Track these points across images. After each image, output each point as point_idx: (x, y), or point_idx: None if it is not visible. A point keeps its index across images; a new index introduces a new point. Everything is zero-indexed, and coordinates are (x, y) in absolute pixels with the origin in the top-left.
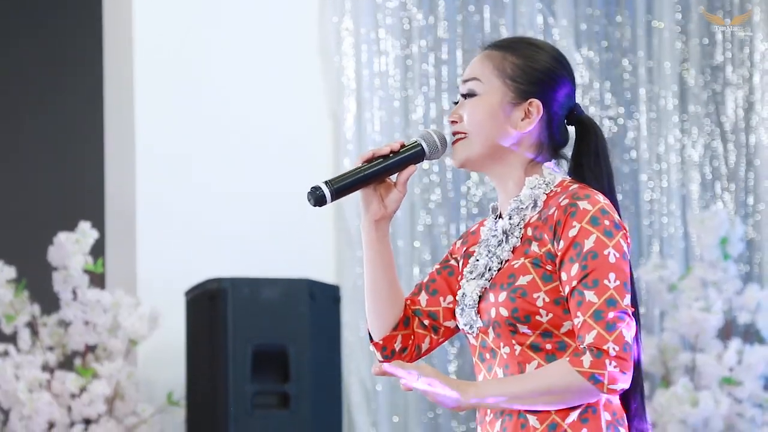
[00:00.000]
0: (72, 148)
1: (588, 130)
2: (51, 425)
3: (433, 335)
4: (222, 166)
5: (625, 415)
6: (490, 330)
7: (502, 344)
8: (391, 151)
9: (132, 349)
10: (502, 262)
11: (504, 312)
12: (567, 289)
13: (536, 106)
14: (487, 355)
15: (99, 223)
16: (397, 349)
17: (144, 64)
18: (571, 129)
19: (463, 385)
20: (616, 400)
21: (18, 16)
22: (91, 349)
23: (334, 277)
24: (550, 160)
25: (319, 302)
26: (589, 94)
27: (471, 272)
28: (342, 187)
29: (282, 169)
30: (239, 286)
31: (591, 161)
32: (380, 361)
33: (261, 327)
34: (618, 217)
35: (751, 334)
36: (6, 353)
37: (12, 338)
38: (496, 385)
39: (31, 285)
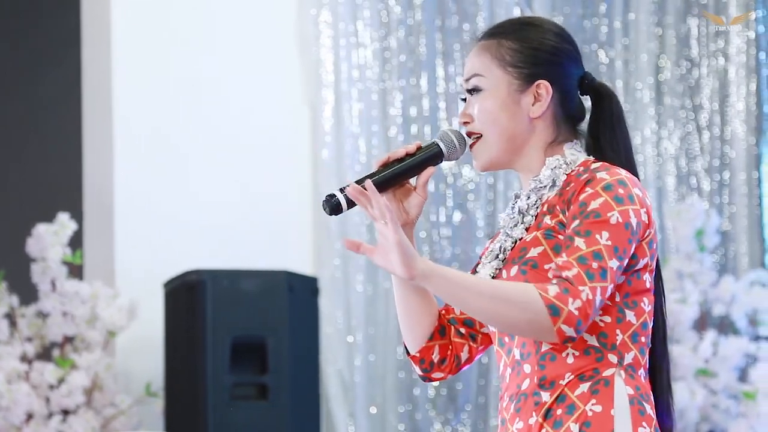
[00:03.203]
0: (50, 139)
1: (602, 97)
2: (29, 416)
3: (471, 343)
4: (200, 158)
5: (650, 391)
6: None
7: None
8: (407, 154)
9: (110, 341)
10: (515, 241)
11: None
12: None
13: (544, 87)
14: (506, 339)
15: (77, 215)
16: (435, 361)
17: (122, 56)
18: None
19: (419, 257)
20: (641, 374)
21: None
22: (69, 340)
23: (313, 269)
24: (572, 140)
25: (298, 294)
26: None
27: (487, 256)
28: None
29: (260, 161)
30: (218, 278)
31: (607, 130)
32: (421, 376)
33: (239, 319)
34: (639, 192)
35: (726, 326)
36: None
37: None
38: (454, 271)
39: (10, 276)
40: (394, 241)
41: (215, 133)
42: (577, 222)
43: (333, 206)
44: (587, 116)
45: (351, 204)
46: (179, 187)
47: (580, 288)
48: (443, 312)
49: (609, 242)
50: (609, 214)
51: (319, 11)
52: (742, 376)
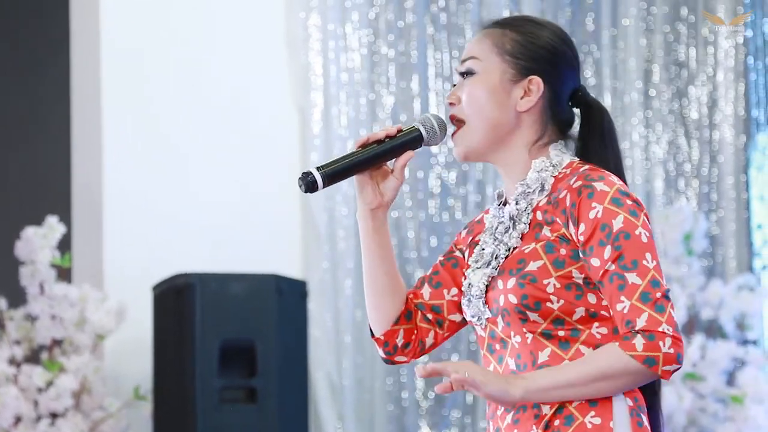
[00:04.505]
0: (39, 142)
1: (594, 112)
2: (18, 419)
3: (437, 329)
4: (189, 161)
5: (644, 402)
6: (499, 319)
7: (512, 333)
8: (387, 136)
9: (99, 344)
10: (510, 249)
11: (513, 299)
12: (600, 273)
13: (536, 83)
14: (497, 346)
15: (66, 218)
16: (399, 345)
17: (111, 58)
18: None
19: (510, 378)
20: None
21: None
22: (57, 343)
23: (301, 272)
24: (557, 141)
25: (287, 297)
26: None
27: (477, 261)
28: (334, 172)
29: (249, 164)
30: (207, 281)
31: (597, 145)
32: (383, 358)
33: (228, 322)
34: (635, 196)
35: (714, 330)
36: None
37: None
38: (544, 374)
39: None
40: (484, 395)
41: (204, 136)
42: (609, 249)
43: (308, 184)
44: (576, 125)
45: (327, 182)
46: (168, 190)
47: (660, 329)
48: (411, 296)
49: (654, 261)
50: (636, 232)
51: (308, 14)
52: (730, 380)
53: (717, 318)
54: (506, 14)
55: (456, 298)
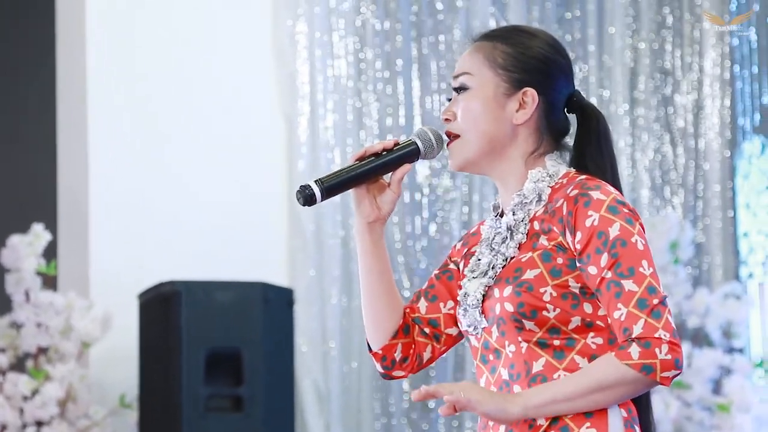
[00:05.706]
0: (24, 149)
1: (589, 116)
2: (3, 428)
3: (434, 344)
4: (176, 168)
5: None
6: (494, 328)
7: (507, 342)
8: (384, 149)
9: (84, 352)
10: (507, 260)
11: (509, 307)
12: (597, 281)
13: (531, 95)
14: (491, 356)
15: (52, 225)
16: (397, 359)
17: (97, 66)
18: (572, 117)
19: (508, 396)
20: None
21: None
22: (43, 351)
23: (288, 280)
24: (553, 152)
25: (273, 305)
26: None
27: (473, 271)
28: (332, 185)
29: (236, 172)
30: (193, 289)
31: (593, 149)
32: (381, 373)
33: (215, 330)
34: (632, 206)
35: (700, 338)
36: None
37: None
38: (541, 390)
39: None
40: (481, 413)
41: (190, 145)
42: (606, 257)
43: (307, 197)
44: (572, 132)
45: (325, 196)
46: (154, 198)
47: (656, 335)
48: (408, 310)
49: (651, 269)
50: (633, 240)
51: (294, 22)
52: (716, 388)
53: (703, 326)
54: (492, 22)
55: (452, 311)
